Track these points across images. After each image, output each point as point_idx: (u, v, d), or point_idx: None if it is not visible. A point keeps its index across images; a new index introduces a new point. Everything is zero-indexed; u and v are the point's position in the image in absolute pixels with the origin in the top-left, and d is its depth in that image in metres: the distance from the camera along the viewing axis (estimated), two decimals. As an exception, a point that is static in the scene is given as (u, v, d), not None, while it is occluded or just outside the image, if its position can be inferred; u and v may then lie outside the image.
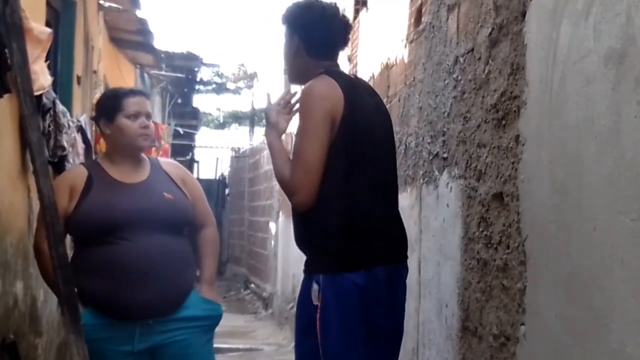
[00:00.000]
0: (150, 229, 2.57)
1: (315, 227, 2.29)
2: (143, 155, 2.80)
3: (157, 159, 2.89)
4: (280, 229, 9.20)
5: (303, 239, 2.37)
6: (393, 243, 2.33)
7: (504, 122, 2.09)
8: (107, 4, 6.62)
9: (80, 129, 4.98)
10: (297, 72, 2.43)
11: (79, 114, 5.20)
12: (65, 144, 4.23)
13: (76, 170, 2.82)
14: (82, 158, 4.93)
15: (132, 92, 2.79)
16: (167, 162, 2.93)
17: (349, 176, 2.23)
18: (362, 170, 2.26)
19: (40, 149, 3.65)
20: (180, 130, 14.19)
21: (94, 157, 5.54)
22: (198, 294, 2.70)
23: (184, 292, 2.66)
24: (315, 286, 2.26)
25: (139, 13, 7.24)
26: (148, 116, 2.73)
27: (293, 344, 6.98)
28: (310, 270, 2.32)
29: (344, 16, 2.45)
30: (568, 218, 1.67)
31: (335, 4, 2.45)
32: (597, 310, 1.52)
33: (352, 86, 2.31)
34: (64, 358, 4.46)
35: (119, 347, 2.60)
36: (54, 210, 3.42)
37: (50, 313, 4.25)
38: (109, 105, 2.73)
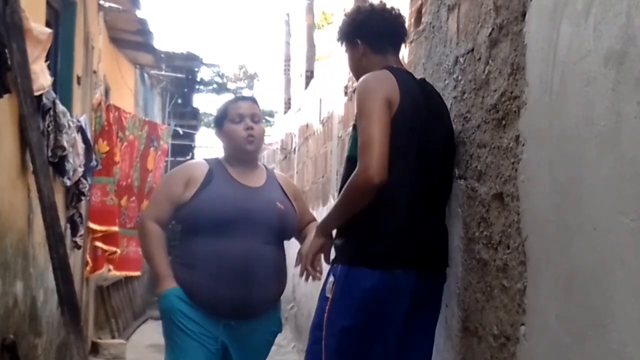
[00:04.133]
0: (257, 233, 2.65)
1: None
2: (260, 163, 2.94)
3: (272, 170, 3.01)
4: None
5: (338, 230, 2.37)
6: (424, 249, 2.28)
7: (504, 122, 2.09)
8: (107, 4, 6.63)
9: (80, 129, 4.98)
10: (364, 74, 2.41)
11: (79, 114, 5.20)
12: (65, 144, 4.24)
13: (198, 163, 2.90)
14: (82, 158, 4.93)
15: (238, 99, 2.93)
16: (281, 176, 3.04)
17: (392, 169, 2.19)
18: (405, 167, 2.23)
19: (40, 149, 3.66)
20: (180, 130, 14.18)
21: (93, 157, 5.57)
22: (279, 309, 2.85)
23: (270, 301, 2.76)
24: (331, 278, 2.26)
25: (139, 13, 7.26)
26: (254, 118, 2.82)
27: (293, 344, 7.02)
28: (333, 260, 2.33)
29: (392, 8, 2.53)
30: (568, 218, 1.67)
31: (384, 2, 2.56)
32: (597, 310, 1.52)
33: (409, 82, 2.33)
34: (63, 358, 4.46)
35: (203, 330, 2.64)
36: (54, 210, 3.43)
37: (50, 313, 4.25)
38: (218, 116, 2.89)
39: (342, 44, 2.58)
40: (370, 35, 2.46)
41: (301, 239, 2.91)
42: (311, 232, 2.80)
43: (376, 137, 2.15)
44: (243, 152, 2.80)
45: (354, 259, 2.24)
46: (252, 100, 2.93)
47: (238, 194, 2.71)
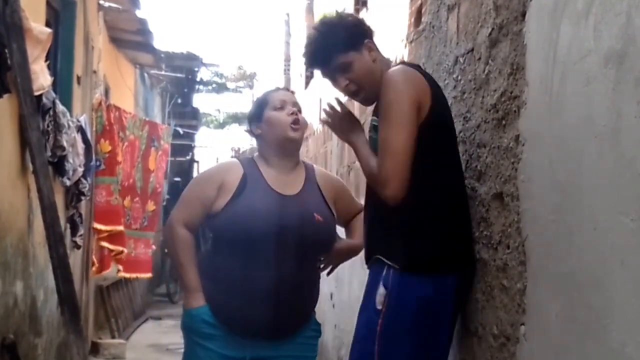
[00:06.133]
0: (290, 249, 2.47)
1: (395, 219, 2.15)
2: (300, 160, 2.69)
3: (313, 168, 2.75)
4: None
5: (378, 230, 2.23)
6: (466, 250, 2.22)
7: (504, 122, 2.09)
8: (107, 4, 6.63)
9: (80, 129, 4.98)
10: (380, 77, 2.26)
11: (79, 114, 5.20)
12: (65, 144, 4.24)
13: (231, 165, 2.65)
14: (82, 158, 4.94)
15: (277, 89, 2.79)
16: (322, 174, 2.76)
17: (438, 167, 2.14)
18: (450, 165, 2.19)
19: (40, 149, 3.66)
20: (180, 130, 14.17)
21: (93, 158, 5.56)
22: (315, 316, 2.65)
23: (302, 320, 2.59)
24: (382, 289, 2.11)
25: (139, 13, 7.27)
26: (295, 106, 2.64)
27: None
28: (375, 262, 2.17)
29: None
30: (568, 218, 1.67)
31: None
32: (597, 310, 1.52)
33: (433, 79, 2.26)
34: (63, 358, 4.46)
35: (228, 351, 2.51)
36: (54, 210, 3.41)
37: (50, 313, 4.25)
38: (257, 107, 2.68)
39: (337, 63, 2.30)
40: (371, 33, 2.36)
41: (347, 231, 2.77)
42: (357, 232, 2.68)
43: (399, 150, 2.08)
44: (287, 140, 2.58)
45: (407, 263, 2.11)
46: (291, 91, 2.82)
47: (272, 205, 2.50)
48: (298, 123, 2.59)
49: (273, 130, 2.59)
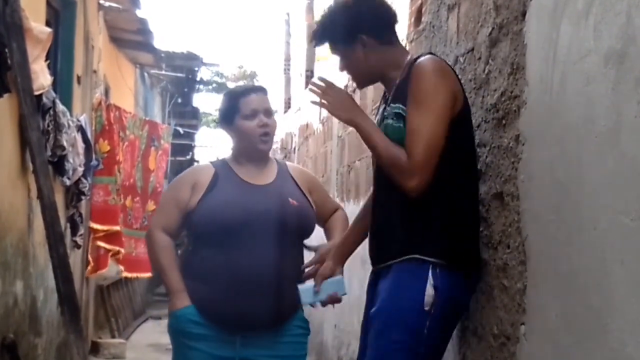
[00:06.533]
0: (270, 236, 2.46)
1: (426, 215, 2.05)
2: (271, 156, 2.71)
3: (285, 163, 2.79)
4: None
5: (401, 227, 2.09)
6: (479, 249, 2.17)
7: (504, 121, 2.09)
8: (107, 4, 6.62)
9: (80, 129, 4.98)
10: (373, 71, 2.22)
11: (79, 114, 5.20)
12: (65, 144, 4.24)
13: (203, 167, 2.74)
14: (82, 158, 4.93)
15: (248, 90, 2.65)
16: (295, 168, 2.81)
17: (463, 164, 2.11)
18: (472, 163, 2.16)
19: (40, 149, 3.66)
20: (180, 130, 14.17)
21: (93, 157, 5.57)
22: (302, 311, 2.61)
23: (291, 310, 2.56)
24: (430, 290, 1.98)
25: (139, 13, 7.26)
26: (267, 113, 2.60)
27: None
28: (413, 260, 2.02)
29: None
30: (568, 218, 1.67)
31: None
32: (597, 310, 1.52)
33: (454, 72, 2.19)
34: (64, 358, 4.46)
35: (217, 350, 2.49)
36: (54, 210, 3.42)
37: (50, 313, 4.25)
38: (227, 108, 2.63)
39: (335, 48, 2.28)
40: (375, 26, 2.20)
41: (326, 232, 2.74)
42: (338, 231, 2.65)
43: (434, 141, 1.99)
44: (256, 151, 2.60)
45: (451, 260, 2.03)
46: (264, 91, 2.68)
47: (246, 194, 2.52)
48: (268, 135, 2.60)
49: (243, 140, 2.61)
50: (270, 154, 2.73)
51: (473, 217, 2.15)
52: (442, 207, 2.06)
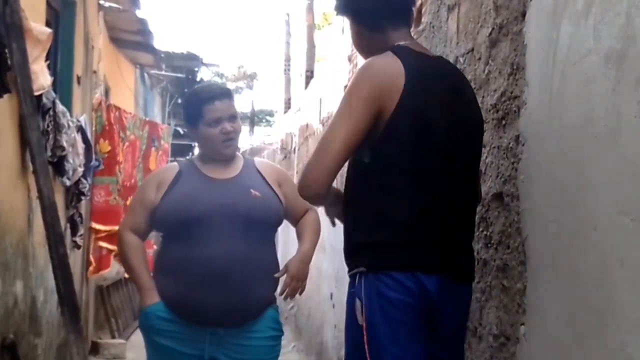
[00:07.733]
0: (235, 229, 2.46)
1: (353, 221, 1.97)
2: (238, 154, 2.73)
3: (252, 159, 2.78)
4: (279, 228, 9.20)
5: (345, 236, 2.02)
6: (438, 255, 1.89)
7: (504, 122, 2.09)
8: (107, 4, 6.62)
9: (80, 129, 4.98)
10: (366, 51, 2.11)
11: (78, 114, 5.20)
12: (65, 144, 4.24)
13: (169, 166, 2.80)
14: (82, 158, 4.93)
15: (212, 98, 2.58)
16: (263, 163, 2.82)
17: (405, 169, 1.88)
18: (416, 166, 1.88)
19: (40, 149, 3.66)
20: (181, 130, 14.17)
21: (93, 158, 5.57)
22: (275, 311, 2.61)
23: (261, 305, 2.54)
24: (358, 302, 1.88)
25: (139, 13, 7.27)
26: (232, 118, 2.60)
27: (293, 344, 6.98)
28: (350, 269, 1.95)
29: None
30: (568, 218, 1.67)
31: None
32: (597, 310, 1.52)
33: (421, 68, 1.92)
34: (63, 358, 4.46)
35: (186, 348, 2.51)
36: (54, 210, 3.41)
37: (50, 313, 4.25)
38: (190, 113, 2.63)
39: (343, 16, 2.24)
40: (363, 14, 2.07)
41: (297, 235, 2.73)
42: (308, 234, 2.68)
43: (333, 144, 1.89)
44: (220, 155, 2.62)
45: (377, 260, 1.92)
46: (229, 97, 2.64)
47: (207, 188, 2.54)
48: (232, 140, 2.62)
49: (206, 145, 2.65)
50: (239, 153, 2.76)
51: (413, 222, 1.88)
52: (369, 215, 1.92)
